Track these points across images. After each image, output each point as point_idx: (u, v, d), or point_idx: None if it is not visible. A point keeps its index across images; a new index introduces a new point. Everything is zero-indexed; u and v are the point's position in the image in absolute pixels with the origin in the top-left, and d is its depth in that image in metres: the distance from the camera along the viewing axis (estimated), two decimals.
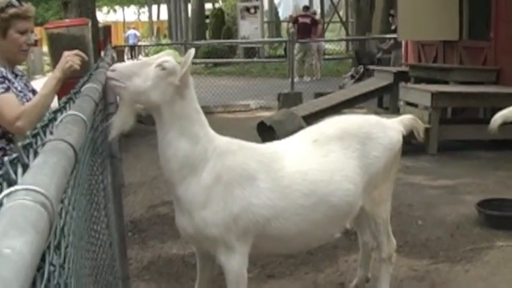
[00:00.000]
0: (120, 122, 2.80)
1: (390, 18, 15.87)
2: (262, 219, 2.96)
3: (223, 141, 3.04)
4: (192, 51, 2.77)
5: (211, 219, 2.89)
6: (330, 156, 3.16)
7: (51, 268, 1.05)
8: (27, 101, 2.90)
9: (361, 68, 13.63)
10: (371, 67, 12.39)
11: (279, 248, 3.32)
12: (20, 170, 0.95)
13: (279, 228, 3.01)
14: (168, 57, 2.83)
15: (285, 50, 18.07)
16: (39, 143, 1.18)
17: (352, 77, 13.64)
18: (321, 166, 3.13)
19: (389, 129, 3.41)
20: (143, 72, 2.76)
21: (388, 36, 15.55)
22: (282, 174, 3.02)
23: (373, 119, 3.53)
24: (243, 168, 2.96)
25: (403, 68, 10.77)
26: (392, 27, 15.04)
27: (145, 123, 4.11)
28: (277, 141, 3.37)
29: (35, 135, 1.18)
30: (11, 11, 2.83)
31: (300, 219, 3.05)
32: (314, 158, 3.15)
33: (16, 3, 2.87)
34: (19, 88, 2.91)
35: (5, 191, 0.81)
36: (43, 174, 0.91)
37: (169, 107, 2.81)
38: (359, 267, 3.91)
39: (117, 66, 2.78)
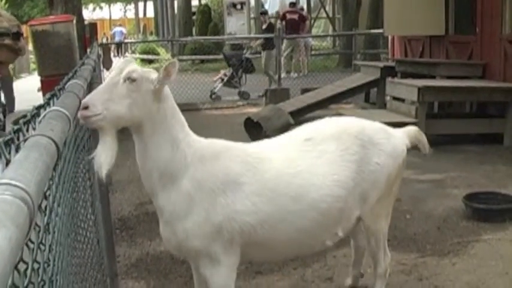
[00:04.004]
0: (107, 155, 2.49)
1: (261, 17, 16.14)
2: (247, 226, 2.74)
3: (205, 144, 2.81)
4: (176, 63, 2.57)
5: (192, 231, 2.69)
6: (323, 158, 2.92)
7: (35, 265, 1.04)
8: None
9: (229, 70, 13.57)
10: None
11: (269, 255, 3.13)
12: (1, 165, 0.94)
13: (266, 236, 2.79)
14: (131, 66, 2.61)
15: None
16: (21, 138, 1.17)
17: (222, 79, 13.56)
18: (312, 168, 2.88)
19: (394, 137, 3.19)
20: (114, 93, 2.51)
21: (373, 31, 15.62)
22: (268, 176, 2.79)
23: (377, 124, 3.26)
24: (225, 173, 2.74)
25: (390, 63, 10.81)
26: (264, 27, 15.37)
27: None
28: (267, 140, 3.12)
29: (17, 131, 1.17)
30: None
31: (288, 226, 2.83)
32: (305, 159, 2.90)
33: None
34: None
35: None
36: (24, 169, 0.90)
37: (150, 115, 2.61)
38: (352, 268, 3.82)
39: (87, 100, 2.44)
